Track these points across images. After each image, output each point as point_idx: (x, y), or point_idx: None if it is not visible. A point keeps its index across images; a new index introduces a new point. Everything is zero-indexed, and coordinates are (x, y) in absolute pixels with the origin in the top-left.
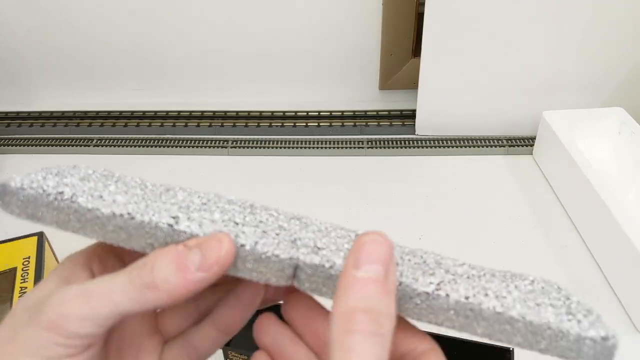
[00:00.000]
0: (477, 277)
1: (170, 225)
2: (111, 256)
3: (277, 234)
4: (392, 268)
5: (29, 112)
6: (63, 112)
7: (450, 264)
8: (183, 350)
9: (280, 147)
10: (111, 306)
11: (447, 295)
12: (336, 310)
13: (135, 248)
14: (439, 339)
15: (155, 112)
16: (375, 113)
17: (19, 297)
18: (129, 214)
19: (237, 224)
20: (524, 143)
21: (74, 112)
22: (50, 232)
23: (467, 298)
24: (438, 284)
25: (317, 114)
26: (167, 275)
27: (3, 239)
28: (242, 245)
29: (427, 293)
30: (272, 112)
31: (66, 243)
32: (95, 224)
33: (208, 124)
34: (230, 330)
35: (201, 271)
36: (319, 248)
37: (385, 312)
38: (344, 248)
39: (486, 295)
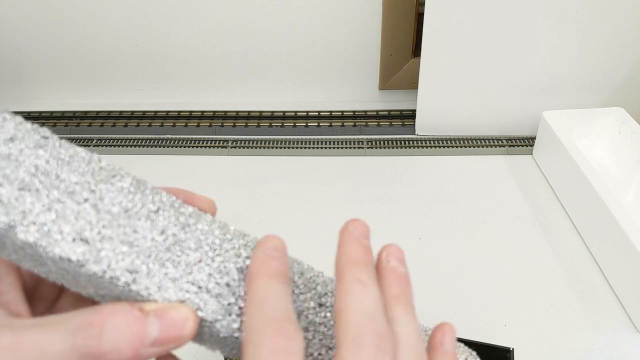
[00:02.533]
0: None
1: (127, 284)
2: None
3: (241, 309)
4: None
5: (29, 112)
6: (63, 112)
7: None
8: None
9: (280, 147)
10: None
11: None
12: None
13: (82, 293)
14: None
15: (155, 112)
16: (375, 113)
17: None
18: (78, 260)
19: (200, 288)
20: (524, 143)
21: (74, 112)
22: None
23: None
24: None
25: (317, 114)
26: (118, 346)
27: None
28: (202, 320)
29: None
30: (272, 112)
31: None
32: (37, 261)
33: (208, 124)
34: None
35: (156, 346)
36: None
37: None
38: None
39: None
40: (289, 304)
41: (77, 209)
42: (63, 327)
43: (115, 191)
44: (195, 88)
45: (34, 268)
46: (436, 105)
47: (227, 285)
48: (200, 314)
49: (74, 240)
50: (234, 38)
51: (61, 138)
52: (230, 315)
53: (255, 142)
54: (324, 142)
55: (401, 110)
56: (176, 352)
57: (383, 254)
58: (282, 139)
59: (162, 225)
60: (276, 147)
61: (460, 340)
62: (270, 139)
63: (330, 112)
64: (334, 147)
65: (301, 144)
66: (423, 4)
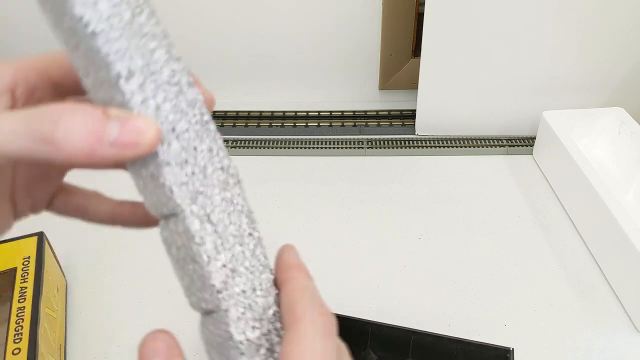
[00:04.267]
0: None
1: (119, 76)
2: (48, 88)
3: (193, 174)
4: (174, 354)
5: None
6: None
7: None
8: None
9: (280, 147)
10: None
11: None
12: None
13: (73, 64)
14: (440, 339)
15: None
16: (375, 113)
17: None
18: (93, 32)
19: (173, 131)
20: (524, 143)
21: None
22: (50, 232)
23: None
24: None
25: (317, 114)
26: (73, 136)
27: (3, 239)
28: (158, 154)
29: None
30: (272, 112)
31: (66, 243)
32: (69, 37)
33: None
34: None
35: (113, 148)
36: (207, 217)
37: None
38: (229, 224)
39: None
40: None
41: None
42: (21, 113)
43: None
44: None
45: (67, 51)
46: (436, 105)
47: (194, 149)
48: (161, 148)
49: (106, 19)
50: (234, 38)
51: None
52: (182, 168)
53: (255, 142)
54: (324, 142)
55: (401, 110)
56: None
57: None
58: (282, 139)
59: (173, 69)
60: (276, 147)
61: (460, 340)
62: (270, 139)
63: (330, 112)
64: (334, 147)
65: (301, 144)
66: (423, 4)
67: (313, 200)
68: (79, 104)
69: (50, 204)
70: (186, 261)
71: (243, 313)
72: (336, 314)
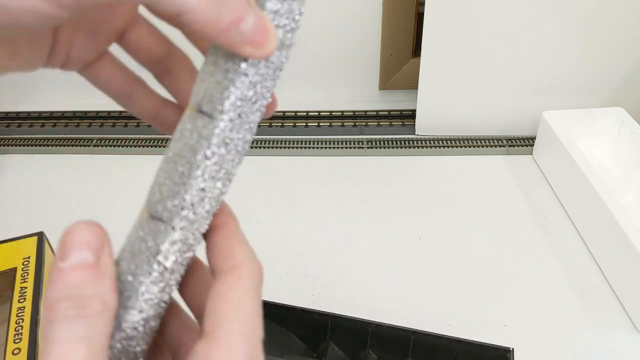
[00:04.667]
0: None
1: None
2: None
3: (249, 99)
4: (105, 252)
5: (29, 112)
6: (63, 112)
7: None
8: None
9: (280, 147)
10: None
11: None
12: (44, 304)
13: None
14: (440, 339)
15: None
16: (375, 113)
17: (19, 294)
18: None
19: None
20: (524, 143)
21: (74, 112)
22: (50, 232)
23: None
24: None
25: (317, 114)
26: (224, 5)
27: (3, 239)
28: (245, 59)
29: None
30: None
31: None
32: None
33: None
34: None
35: (239, 37)
36: (229, 140)
37: (92, 294)
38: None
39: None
40: None
41: None
42: None
43: None
44: None
45: None
46: (436, 105)
47: (265, 80)
48: (252, 59)
49: None
50: None
51: (61, 138)
52: (248, 88)
53: (255, 142)
54: (324, 142)
55: (401, 110)
56: None
57: None
58: (282, 139)
59: (303, 9)
60: (276, 147)
61: (460, 340)
62: (270, 139)
63: (330, 112)
64: (334, 147)
65: (301, 144)
66: (423, 4)
67: (313, 200)
68: None
69: (90, 67)
70: (181, 162)
71: (180, 241)
72: (336, 313)
